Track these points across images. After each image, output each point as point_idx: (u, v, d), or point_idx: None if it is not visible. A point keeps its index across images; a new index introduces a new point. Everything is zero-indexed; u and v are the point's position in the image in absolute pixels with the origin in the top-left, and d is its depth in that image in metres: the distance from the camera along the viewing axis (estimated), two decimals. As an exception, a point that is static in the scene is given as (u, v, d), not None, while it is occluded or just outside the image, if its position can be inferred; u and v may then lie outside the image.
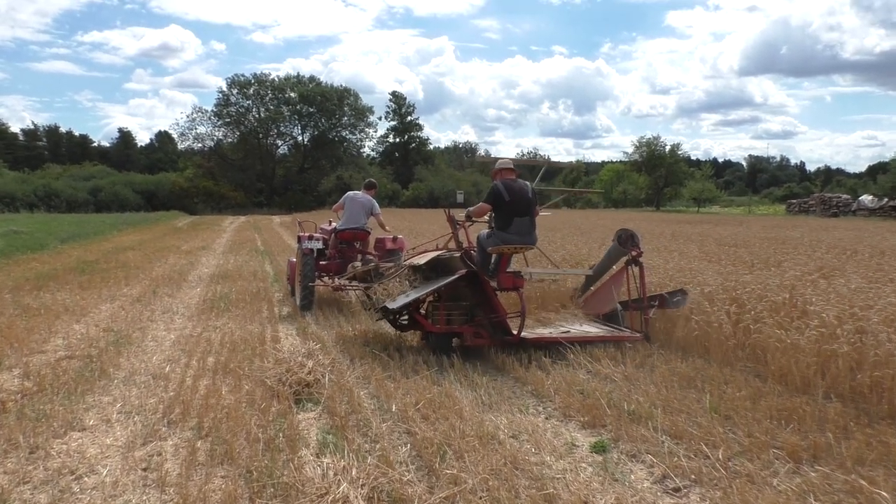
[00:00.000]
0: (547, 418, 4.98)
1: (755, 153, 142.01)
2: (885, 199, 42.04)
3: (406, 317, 6.85)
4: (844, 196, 48.55)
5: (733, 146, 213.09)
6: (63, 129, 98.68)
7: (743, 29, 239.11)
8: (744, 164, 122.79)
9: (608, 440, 4.47)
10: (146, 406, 5.03)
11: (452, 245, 7.25)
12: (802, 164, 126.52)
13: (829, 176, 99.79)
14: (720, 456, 4.05)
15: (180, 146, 75.08)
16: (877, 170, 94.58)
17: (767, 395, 5.10)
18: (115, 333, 7.60)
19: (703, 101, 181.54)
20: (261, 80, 70.57)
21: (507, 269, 7.04)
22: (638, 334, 6.89)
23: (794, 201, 53.28)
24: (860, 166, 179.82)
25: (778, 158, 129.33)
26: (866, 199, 44.65)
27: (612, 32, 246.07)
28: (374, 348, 6.88)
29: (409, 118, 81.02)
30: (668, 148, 66.93)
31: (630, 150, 72.68)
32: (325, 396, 5.20)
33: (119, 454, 4.16)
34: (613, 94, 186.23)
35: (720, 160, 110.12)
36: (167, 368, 6.11)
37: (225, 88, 69.87)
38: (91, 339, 7.32)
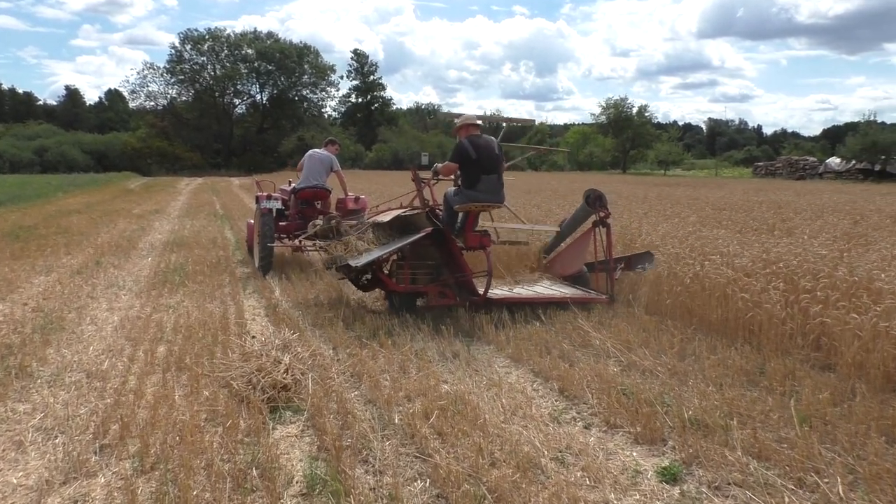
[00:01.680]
0: (586, 427, 3.98)
1: (713, 116, 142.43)
2: (853, 162, 42.00)
3: (369, 275, 6.59)
4: (811, 159, 48.63)
5: (691, 109, 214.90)
6: (6, 87, 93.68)
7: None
8: (703, 127, 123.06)
9: (678, 463, 3.48)
10: (74, 420, 3.87)
11: (417, 203, 7.05)
12: (759, 127, 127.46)
13: (785, 139, 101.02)
14: (840, 492, 3.09)
15: (131, 105, 71.46)
16: (831, 133, 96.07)
17: (855, 398, 4.17)
18: (45, 315, 6.35)
19: (662, 63, 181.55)
20: (216, 35, 67.23)
21: (474, 228, 6.87)
22: (604, 296, 6.82)
23: (761, 164, 53.23)
24: (813, 129, 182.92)
25: (737, 122, 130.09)
26: (834, 161, 44.63)
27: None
28: (360, 333, 5.80)
29: (371, 77, 78.67)
30: (635, 109, 66.13)
31: (595, 112, 71.79)
32: (308, 404, 4.10)
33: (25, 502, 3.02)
34: (574, 56, 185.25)
35: (680, 123, 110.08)
36: (106, 363, 4.92)
37: (178, 44, 66.47)
38: (15, 322, 6.07)
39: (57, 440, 3.62)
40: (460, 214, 6.92)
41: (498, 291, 6.83)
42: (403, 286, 6.45)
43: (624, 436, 3.85)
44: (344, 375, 4.77)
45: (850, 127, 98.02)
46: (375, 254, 6.18)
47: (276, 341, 4.72)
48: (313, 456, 3.50)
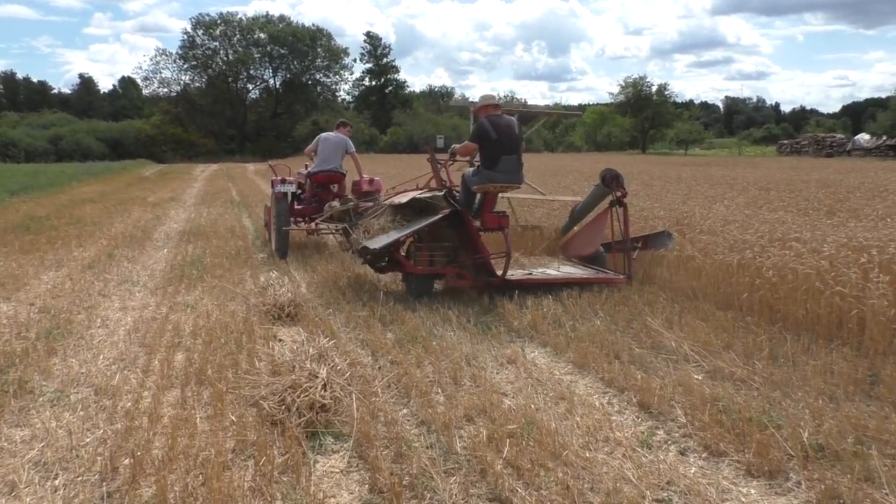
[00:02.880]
0: (682, 454, 3.33)
1: (730, 94, 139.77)
2: (885, 138, 40.76)
3: (386, 258, 6.48)
4: (839, 136, 47.36)
5: (706, 87, 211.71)
6: (20, 76, 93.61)
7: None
8: (720, 105, 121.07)
9: (814, 507, 2.83)
10: (78, 452, 3.27)
11: (434, 185, 6.94)
12: (777, 105, 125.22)
13: (805, 116, 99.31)
14: None
15: (145, 91, 71.18)
16: (851, 110, 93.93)
17: None
18: (52, 317, 5.77)
19: (676, 41, 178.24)
20: (227, 20, 66.59)
21: (492, 210, 6.73)
22: (622, 276, 6.73)
23: (786, 142, 51.99)
24: (831, 107, 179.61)
25: (755, 100, 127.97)
26: (863, 138, 43.38)
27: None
28: (399, 335, 5.18)
29: (385, 60, 77.67)
30: (654, 88, 64.85)
31: (613, 91, 70.57)
32: (353, 429, 3.48)
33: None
34: (587, 35, 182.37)
35: (696, 102, 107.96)
36: (117, 377, 4.32)
37: (190, 29, 65.89)
38: (19, 325, 5.50)
39: (57, 480, 3.02)
40: (478, 196, 6.80)
41: (515, 273, 6.68)
42: (421, 268, 6.37)
43: (732, 465, 3.20)
44: (389, 390, 4.14)
45: (871, 103, 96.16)
46: (393, 236, 6.12)
47: (311, 350, 4.09)
48: (366, 500, 2.87)
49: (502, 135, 6.46)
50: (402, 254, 6.51)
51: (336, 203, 8.31)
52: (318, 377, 3.77)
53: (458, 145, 6.91)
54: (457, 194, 6.75)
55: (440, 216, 6.11)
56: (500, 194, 7.06)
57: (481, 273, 6.39)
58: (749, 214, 8.07)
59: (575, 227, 8.02)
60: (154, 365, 4.55)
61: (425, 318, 5.75)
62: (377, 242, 6.07)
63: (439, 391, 4.07)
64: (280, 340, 5.16)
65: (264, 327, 5.46)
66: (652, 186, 13.32)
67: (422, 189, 6.97)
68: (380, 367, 4.53)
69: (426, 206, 6.50)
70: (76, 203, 16.66)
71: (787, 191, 12.02)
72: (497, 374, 4.45)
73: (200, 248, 9.65)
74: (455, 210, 6.22)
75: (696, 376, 4.23)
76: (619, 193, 7.10)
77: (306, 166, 9.97)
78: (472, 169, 6.88)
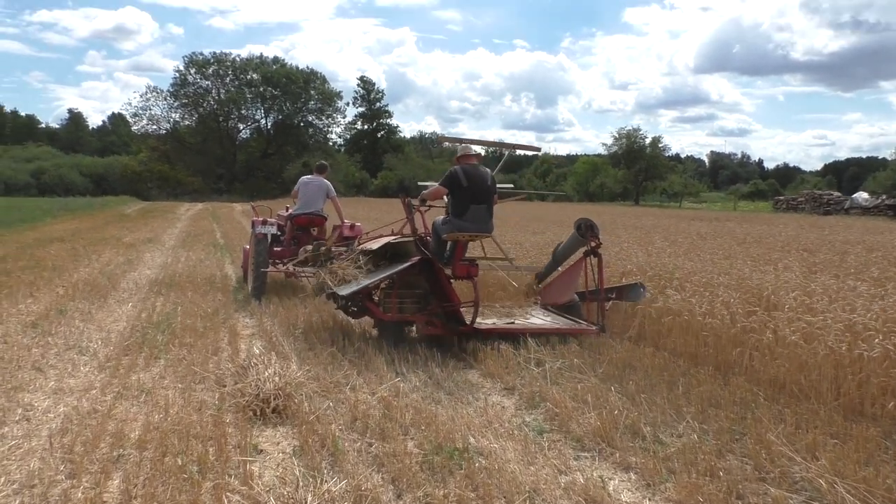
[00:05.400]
0: None
1: (714, 150, 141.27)
2: (884, 197, 40.15)
3: (359, 303, 6.45)
4: (836, 194, 46.85)
5: (690, 142, 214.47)
6: (8, 109, 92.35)
7: (697, 27, 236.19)
8: (705, 160, 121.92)
9: None
10: None
11: (408, 231, 6.90)
12: (761, 161, 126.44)
13: (788, 173, 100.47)
14: None
15: (134, 128, 69.79)
16: (832, 168, 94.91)
17: None
18: (-43, 405, 4.31)
19: (660, 97, 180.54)
20: (220, 59, 65.79)
21: (463, 258, 6.82)
22: (594, 326, 6.67)
23: (782, 198, 51.45)
24: (812, 164, 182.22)
25: (739, 155, 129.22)
26: (861, 196, 42.78)
27: (573, 27, 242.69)
28: (423, 441, 3.77)
29: (377, 105, 77.26)
30: (648, 140, 64.54)
31: (606, 142, 70.40)
32: None
33: None
34: (575, 88, 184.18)
35: (681, 156, 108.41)
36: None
37: (182, 68, 65.07)
38: None
39: None
40: (449, 243, 6.85)
41: (487, 322, 6.70)
42: (391, 315, 6.26)
43: None
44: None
45: (853, 162, 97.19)
46: (363, 283, 6.11)
47: (309, 480, 2.67)
48: None
49: (473, 184, 6.50)
50: (374, 300, 6.40)
51: (310, 247, 8.19)
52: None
53: (427, 191, 6.90)
54: (429, 241, 6.78)
55: (409, 264, 6.06)
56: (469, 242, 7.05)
57: (451, 321, 6.30)
58: (828, 286, 6.76)
59: (552, 274, 7.99)
60: (74, 501, 3.11)
61: (454, 413, 4.36)
62: (347, 289, 6.05)
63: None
64: (262, 453, 3.74)
65: (242, 430, 4.03)
66: (679, 244, 12.07)
67: (396, 235, 6.93)
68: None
69: (398, 253, 6.51)
70: (42, 242, 15.17)
71: (833, 252, 10.79)
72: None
73: (172, 302, 8.21)
74: (425, 258, 6.15)
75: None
76: (593, 243, 7.07)
77: (287, 208, 9.98)
78: (442, 217, 6.90)
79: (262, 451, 3.78)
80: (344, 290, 6.04)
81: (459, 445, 3.82)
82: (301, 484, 3.07)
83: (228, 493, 3.08)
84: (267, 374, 4.63)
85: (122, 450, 3.67)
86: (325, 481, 3.08)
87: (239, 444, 3.81)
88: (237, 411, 4.31)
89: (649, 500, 3.37)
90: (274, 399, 4.35)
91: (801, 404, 4.47)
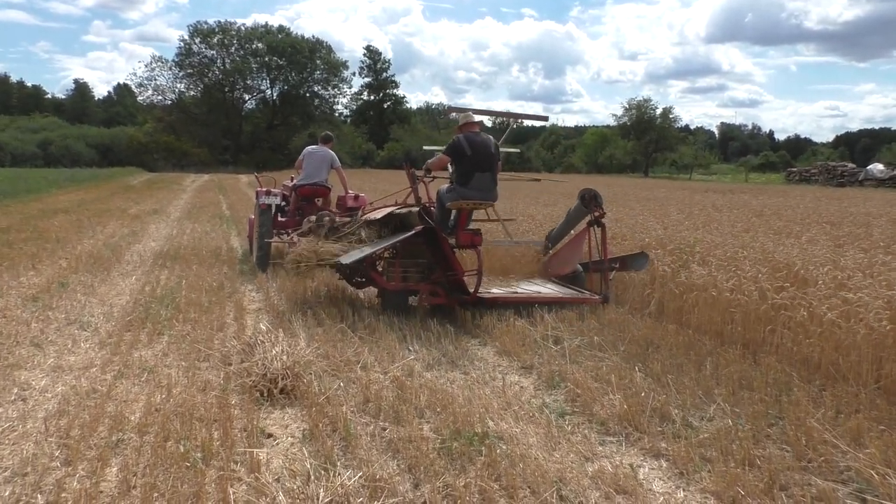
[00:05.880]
0: None
1: (724, 121, 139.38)
2: (897, 169, 39.54)
3: (362, 274, 6.51)
4: (850, 165, 46.16)
5: (699, 113, 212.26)
6: (14, 80, 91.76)
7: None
8: (715, 131, 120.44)
9: None
10: None
11: (412, 201, 7.01)
12: (772, 132, 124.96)
13: (799, 145, 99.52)
14: None
15: (139, 98, 69.11)
16: (844, 140, 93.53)
17: None
18: (-50, 384, 4.11)
19: (670, 67, 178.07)
20: (226, 28, 64.86)
21: (467, 227, 6.75)
22: (597, 296, 6.66)
23: (795, 170, 50.79)
24: (823, 136, 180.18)
25: (749, 127, 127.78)
26: (876, 167, 42.11)
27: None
28: (440, 426, 3.54)
29: (384, 75, 76.34)
30: (658, 111, 63.69)
31: (616, 113, 69.53)
32: None
33: None
34: (583, 58, 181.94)
35: (691, 127, 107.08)
36: (3, 516, 2.68)
37: (187, 37, 64.16)
38: None
39: None
40: (453, 212, 6.82)
41: (492, 291, 6.71)
42: (395, 284, 6.26)
43: None
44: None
45: (864, 134, 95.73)
46: (366, 251, 6.08)
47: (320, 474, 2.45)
48: None
49: (476, 152, 6.48)
50: (378, 270, 6.41)
51: (313, 218, 7.94)
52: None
53: (432, 160, 6.92)
54: (433, 210, 6.81)
55: (412, 233, 6.04)
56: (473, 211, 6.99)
57: (455, 290, 6.28)
58: (857, 259, 6.47)
59: (557, 246, 7.97)
60: (71, 487, 2.90)
61: (471, 394, 4.14)
62: (350, 258, 5.99)
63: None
64: (269, 438, 3.53)
65: (248, 412, 3.81)
66: (696, 217, 11.77)
67: (399, 205, 6.93)
68: None
69: (401, 223, 6.55)
70: (47, 213, 14.96)
71: (857, 225, 10.47)
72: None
73: (176, 276, 7.99)
74: (428, 227, 6.12)
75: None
76: (597, 213, 7.09)
77: (292, 178, 9.77)
78: (446, 185, 6.85)
79: (269, 435, 3.57)
80: (348, 259, 5.98)
81: (479, 430, 3.60)
82: (312, 477, 2.85)
83: (234, 484, 2.87)
84: (274, 352, 4.40)
85: (121, 434, 3.46)
86: (339, 474, 2.85)
87: (245, 427, 3.59)
88: (243, 392, 4.09)
89: (683, 490, 3.14)
90: (282, 379, 4.13)
91: (839, 387, 4.23)
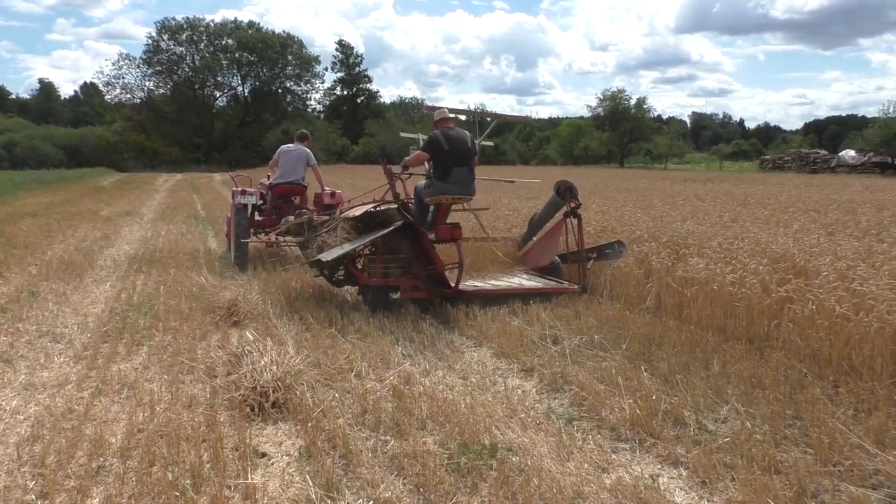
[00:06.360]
0: None
1: (695, 110, 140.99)
2: (870, 155, 40.04)
3: (342, 271, 6.55)
4: (822, 152, 46.76)
5: (671, 103, 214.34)
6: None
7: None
8: (686, 121, 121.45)
9: None
10: None
11: (389, 197, 7.02)
12: (742, 121, 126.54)
13: (769, 133, 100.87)
14: None
15: (107, 97, 67.72)
16: (812, 127, 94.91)
17: None
18: (-87, 407, 3.81)
19: (641, 58, 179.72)
20: (194, 25, 63.68)
21: (445, 221, 6.82)
22: (576, 286, 6.76)
23: (768, 157, 51.33)
24: (791, 124, 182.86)
25: (720, 116, 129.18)
26: (848, 154, 42.68)
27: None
28: (445, 438, 3.33)
29: (356, 69, 75.72)
30: (633, 101, 63.90)
31: (591, 104, 69.69)
32: None
33: None
34: (555, 50, 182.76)
35: (663, 117, 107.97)
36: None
37: (155, 34, 62.98)
38: None
39: None
40: (431, 207, 6.85)
41: (471, 284, 6.73)
42: (375, 280, 6.28)
43: None
44: None
45: (832, 121, 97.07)
46: (346, 248, 6.10)
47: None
48: None
49: (454, 147, 6.55)
50: (358, 266, 6.43)
51: (292, 217, 8.06)
52: None
53: (409, 157, 6.97)
54: (412, 206, 6.88)
55: (392, 228, 6.07)
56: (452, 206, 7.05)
57: (436, 284, 6.32)
58: (854, 248, 6.37)
59: (533, 238, 7.98)
60: (48, 525, 2.65)
61: (473, 402, 3.94)
62: (330, 255, 5.99)
63: None
64: (264, 458, 3.29)
65: (239, 430, 3.57)
66: (681, 207, 11.64)
67: (378, 202, 6.94)
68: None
69: (380, 219, 6.54)
70: (14, 217, 14.45)
71: (843, 212, 10.43)
72: None
73: (154, 281, 7.68)
74: (407, 222, 6.16)
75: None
76: (573, 204, 7.14)
77: (268, 177, 9.74)
78: (424, 181, 6.91)
79: (263, 454, 3.33)
80: (328, 256, 5.99)
81: (486, 441, 3.40)
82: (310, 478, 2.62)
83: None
84: (263, 362, 4.15)
85: (102, 459, 3.20)
86: (345, 501, 2.63)
87: (237, 446, 3.35)
88: (232, 407, 3.84)
89: (707, 500, 2.97)
90: (273, 392, 3.89)
91: (854, 382, 4.09)
